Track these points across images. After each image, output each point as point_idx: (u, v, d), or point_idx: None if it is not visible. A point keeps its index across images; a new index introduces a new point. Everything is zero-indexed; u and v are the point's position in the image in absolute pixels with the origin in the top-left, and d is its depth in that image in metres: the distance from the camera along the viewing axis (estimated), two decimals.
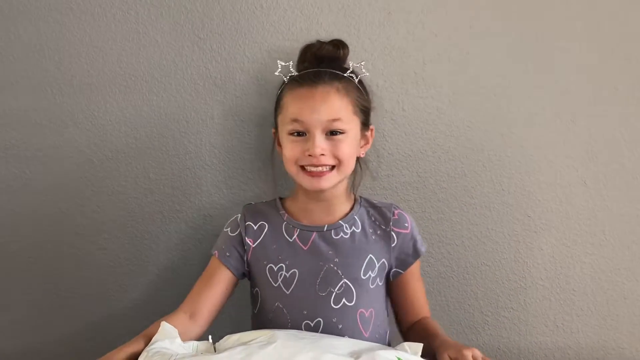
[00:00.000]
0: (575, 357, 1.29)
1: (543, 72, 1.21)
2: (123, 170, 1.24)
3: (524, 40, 1.21)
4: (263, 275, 1.07)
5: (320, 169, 1.02)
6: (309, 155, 1.01)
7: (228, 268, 1.08)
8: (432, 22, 1.20)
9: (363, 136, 1.08)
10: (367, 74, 1.08)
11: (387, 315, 1.11)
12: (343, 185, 1.09)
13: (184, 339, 0.97)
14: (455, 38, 1.21)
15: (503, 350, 1.29)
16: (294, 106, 1.02)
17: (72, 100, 1.22)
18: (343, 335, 1.01)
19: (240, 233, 1.09)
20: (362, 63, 1.08)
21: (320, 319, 1.03)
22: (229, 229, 1.11)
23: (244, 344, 0.91)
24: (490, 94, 1.22)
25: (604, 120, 1.23)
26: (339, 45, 1.10)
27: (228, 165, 1.24)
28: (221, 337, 0.96)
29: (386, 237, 1.07)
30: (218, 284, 1.07)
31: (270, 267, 1.07)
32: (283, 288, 1.05)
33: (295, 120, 1.02)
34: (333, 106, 1.01)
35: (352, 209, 1.10)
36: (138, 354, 0.92)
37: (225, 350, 0.89)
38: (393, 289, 1.11)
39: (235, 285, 1.10)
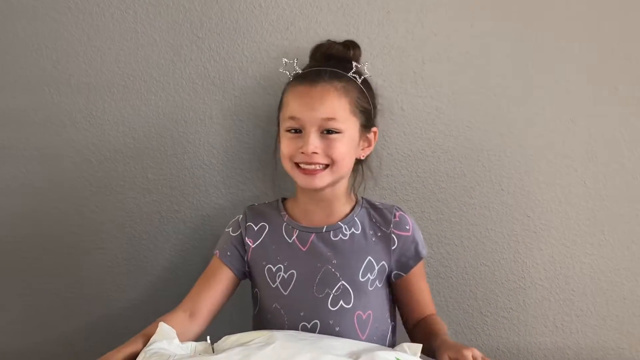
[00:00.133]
0: (575, 358, 1.29)
1: (543, 72, 1.21)
2: (121, 170, 1.23)
3: (524, 40, 1.20)
4: (262, 275, 1.07)
5: (313, 166, 1.02)
6: (302, 153, 1.01)
7: (229, 268, 1.08)
8: (432, 21, 1.20)
9: (364, 138, 1.07)
10: (369, 74, 1.08)
11: (390, 319, 1.11)
12: (343, 186, 1.08)
13: (182, 338, 0.97)
14: (454, 37, 1.20)
15: (502, 350, 1.29)
16: (293, 103, 1.02)
17: (70, 100, 1.22)
18: (345, 338, 1.01)
19: (241, 233, 1.09)
20: (366, 64, 1.07)
21: (317, 321, 1.03)
22: (230, 229, 1.11)
23: (243, 344, 0.91)
24: (490, 93, 1.22)
25: (603, 121, 1.22)
26: (349, 46, 1.10)
27: (226, 165, 1.24)
28: (220, 338, 0.96)
29: (386, 239, 1.07)
30: (218, 284, 1.07)
31: (269, 267, 1.06)
32: (281, 289, 1.05)
33: (292, 118, 1.02)
34: (330, 105, 1.00)
35: (352, 210, 1.09)
36: (136, 354, 0.92)
37: (224, 351, 0.89)
38: (396, 289, 1.11)
39: (236, 285, 1.10)
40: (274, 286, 1.06)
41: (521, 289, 1.27)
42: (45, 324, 1.28)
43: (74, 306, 1.27)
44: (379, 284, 1.07)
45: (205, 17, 1.19)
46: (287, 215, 1.10)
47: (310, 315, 1.03)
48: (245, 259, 1.09)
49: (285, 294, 1.05)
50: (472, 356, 0.90)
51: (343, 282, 1.04)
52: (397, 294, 1.11)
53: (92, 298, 1.27)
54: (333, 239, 1.06)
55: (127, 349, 0.94)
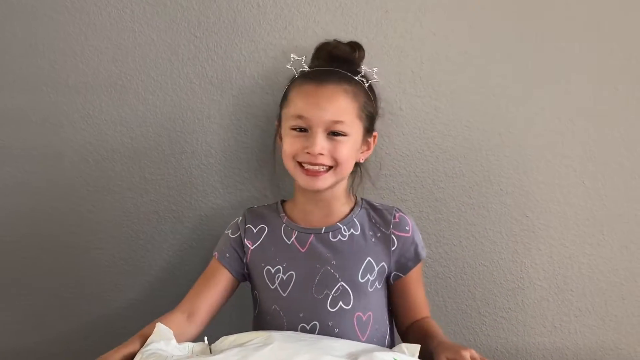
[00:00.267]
0: (573, 358, 1.29)
1: (542, 72, 1.21)
2: (118, 169, 1.23)
3: (524, 40, 1.20)
4: (261, 277, 1.07)
5: (317, 167, 1.01)
6: (308, 153, 1.00)
7: (227, 269, 1.07)
8: (430, 20, 1.19)
9: (365, 142, 1.07)
10: (378, 79, 1.08)
11: (388, 320, 1.10)
12: (342, 187, 1.08)
13: (180, 339, 0.97)
14: (453, 37, 1.20)
15: (501, 351, 1.29)
16: (300, 102, 1.01)
17: (68, 100, 1.21)
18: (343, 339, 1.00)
19: (240, 235, 1.09)
20: (375, 69, 1.07)
21: (316, 322, 1.03)
22: (229, 230, 1.11)
23: (240, 345, 0.91)
24: (489, 93, 1.22)
25: (602, 121, 1.22)
26: (355, 47, 1.09)
27: (224, 165, 1.23)
28: (217, 339, 0.96)
29: (386, 240, 1.06)
30: (217, 285, 1.07)
31: (268, 269, 1.06)
32: (280, 290, 1.05)
33: (299, 117, 1.01)
34: (338, 107, 1.00)
35: (351, 211, 1.09)
36: (134, 355, 0.92)
37: (221, 351, 0.89)
38: (393, 290, 1.10)
39: (234, 287, 1.10)
40: (272, 288, 1.05)
41: (520, 289, 1.27)
42: (42, 324, 1.28)
43: (71, 306, 1.27)
44: (379, 285, 1.07)
45: (203, 17, 1.19)
46: (285, 217, 1.09)
47: (309, 317, 1.03)
48: (244, 261, 1.08)
49: (284, 295, 1.05)
50: (470, 357, 0.90)
51: (342, 283, 1.04)
52: (393, 295, 1.11)
53: (89, 298, 1.27)
54: (332, 240, 1.06)
55: (125, 350, 0.94)
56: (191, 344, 0.96)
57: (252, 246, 1.08)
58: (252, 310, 1.12)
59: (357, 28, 1.19)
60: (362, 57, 1.10)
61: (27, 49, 1.20)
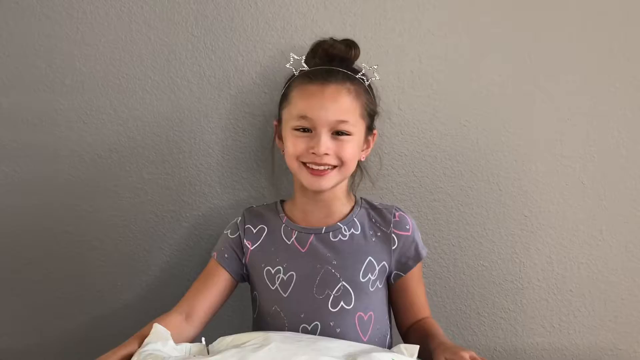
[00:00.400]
0: (572, 358, 1.29)
1: (541, 72, 1.20)
2: (116, 169, 1.23)
3: (523, 40, 1.20)
4: (261, 278, 1.06)
5: (322, 167, 1.01)
6: (313, 153, 1.00)
7: (226, 270, 1.07)
8: (429, 20, 1.19)
9: (365, 140, 1.07)
10: (378, 77, 1.07)
11: (389, 320, 1.10)
12: (342, 186, 1.08)
13: (178, 340, 0.96)
14: (452, 36, 1.20)
15: (499, 351, 1.28)
16: (303, 102, 1.01)
17: (64, 99, 1.21)
18: (341, 339, 1.00)
19: (239, 236, 1.09)
20: (375, 66, 1.06)
21: (317, 323, 1.02)
22: (228, 231, 1.10)
23: (238, 346, 0.90)
24: (488, 93, 1.21)
25: (602, 120, 1.22)
26: (351, 46, 1.09)
27: (222, 165, 1.23)
28: (215, 339, 0.95)
29: (386, 239, 1.06)
30: (215, 286, 1.06)
31: (268, 269, 1.06)
32: (280, 291, 1.05)
33: (303, 117, 1.00)
34: (342, 107, 1.00)
35: (351, 210, 1.09)
36: (132, 356, 0.92)
37: (219, 352, 0.88)
38: (393, 290, 1.10)
39: (233, 288, 1.09)
40: (273, 288, 1.05)
41: (518, 289, 1.27)
42: (39, 325, 1.27)
43: (68, 306, 1.26)
44: (380, 284, 1.07)
45: (200, 16, 1.18)
46: (285, 217, 1.09)
47: (310, 317, 1.03)
48: (244, 261, 1.08)
49: (285, 295, 1.04)
50: (470, 358, 0.90)
51: (343, 282, 1.03)
52: (393, 295, 1.10)
53: (86, 298, 1.26)
54: (332, 239, 1.05)
55: (122, 351, 0.93)
56: (189, 344, 0.96)
57: (251, 246, 1.08)
58: (250, 311, 1.12)
59: (356, 27, 1.19)
60: (357, 56, 1.09)
61: (23, 48, 1.19)
